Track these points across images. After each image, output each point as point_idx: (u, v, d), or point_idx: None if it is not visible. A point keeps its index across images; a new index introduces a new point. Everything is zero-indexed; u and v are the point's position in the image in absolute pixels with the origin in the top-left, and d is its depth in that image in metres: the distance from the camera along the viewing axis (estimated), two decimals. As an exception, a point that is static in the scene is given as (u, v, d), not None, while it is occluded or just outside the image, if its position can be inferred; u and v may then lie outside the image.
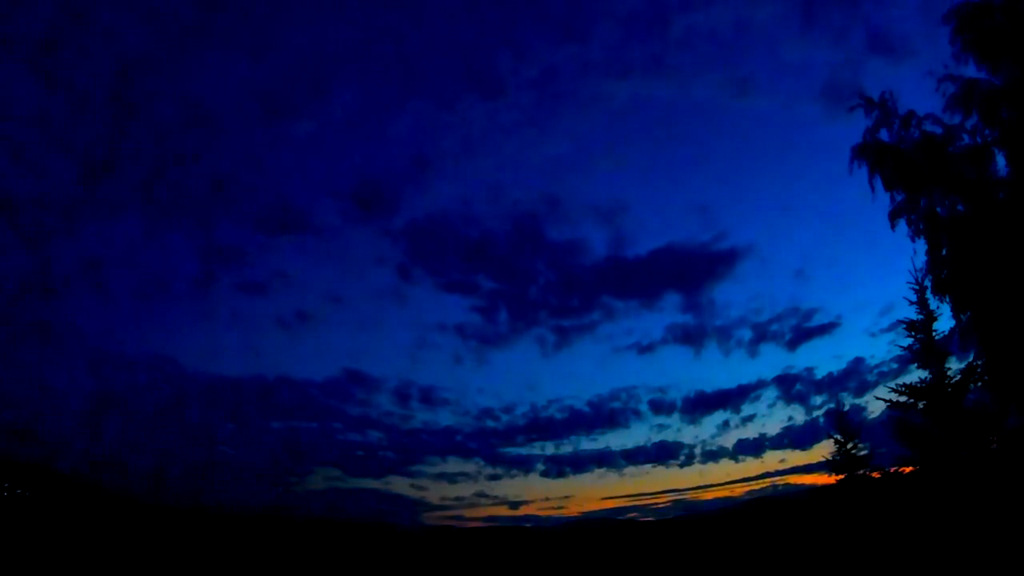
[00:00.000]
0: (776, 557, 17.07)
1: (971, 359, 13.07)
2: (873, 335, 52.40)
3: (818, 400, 53.69)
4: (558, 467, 60.01)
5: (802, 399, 56.10)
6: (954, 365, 12.87)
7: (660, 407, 64.05)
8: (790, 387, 58.73)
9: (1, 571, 18.91)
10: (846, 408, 14.83)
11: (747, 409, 67.06)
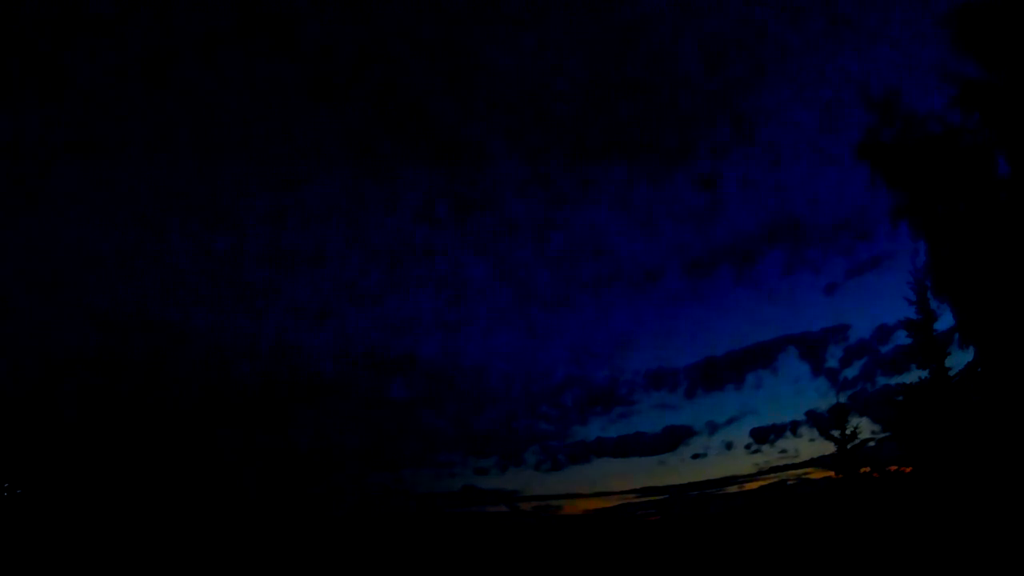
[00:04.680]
0: (773, 561, 17.08)
1: (971, 359, 13.12)
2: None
3: (852, 373, 45.57)
4: (551, 460, 53.92)
5: (832, 374, 47.53)
6: (954, 365, 12.93)
7: (660, 381, 55.04)
8: (820, 358, 48.99)
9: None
10: (848, 398, 14.81)
11: (765, 388, 56.73)
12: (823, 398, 56.42)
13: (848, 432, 15.06)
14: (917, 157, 13.84)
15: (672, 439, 52.33)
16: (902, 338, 13.62)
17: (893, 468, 13.55)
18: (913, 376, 13.12)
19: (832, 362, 48.07)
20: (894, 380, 13.38)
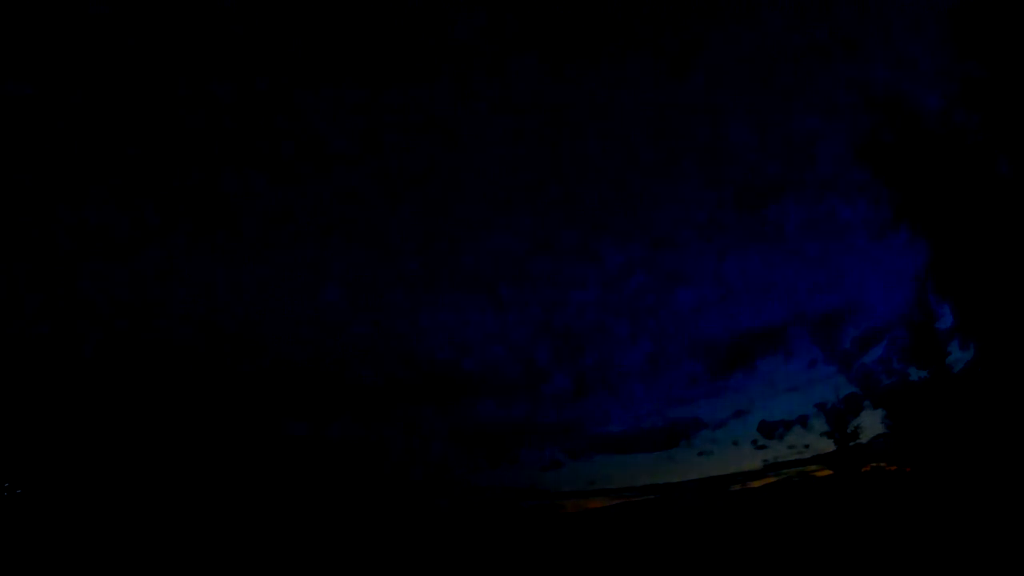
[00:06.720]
0: (775, 560, 17.07)
1: (971, 358, 13.15)
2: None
3: (870, 359, 40.24)
4: (550, 457, 49.55)
5: (846, 360, 42.57)
6: (954, 364, 12.95)
7: (661, 369, 50.69)
8: (834, 341, 42.90)
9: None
10: (861, 388, 14.65)
11: (775, 377, 52.37)
12: (836, 388, 54.50)
13: (849, 431, 15.04)
14: (917, 157, 13.84)
15: (676, 435, 49.97)
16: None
17: (893, 468, 13.56)
18: (913, 375, 13.14)
19: (847, 344, 43.62)
20: (911, 369, 13.15)
